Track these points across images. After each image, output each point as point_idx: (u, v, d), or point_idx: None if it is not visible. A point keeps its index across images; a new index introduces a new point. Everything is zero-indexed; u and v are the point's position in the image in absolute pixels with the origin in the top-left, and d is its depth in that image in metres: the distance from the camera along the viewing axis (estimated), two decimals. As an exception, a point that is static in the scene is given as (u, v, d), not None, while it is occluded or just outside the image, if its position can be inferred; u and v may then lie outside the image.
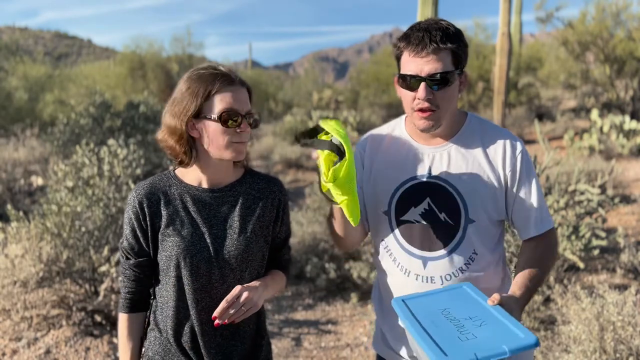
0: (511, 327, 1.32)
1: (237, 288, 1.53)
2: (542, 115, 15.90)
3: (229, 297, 1.51)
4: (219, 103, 1.53)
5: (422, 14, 7.23)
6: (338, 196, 1.48)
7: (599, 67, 14.92)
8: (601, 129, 10.73)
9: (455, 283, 1.67)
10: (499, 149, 1.67)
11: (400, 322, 1.47)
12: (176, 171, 1.68)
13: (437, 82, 1.56)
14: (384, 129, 1.82)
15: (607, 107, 14.47)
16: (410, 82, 1.59)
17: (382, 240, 1.77)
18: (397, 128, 1.79)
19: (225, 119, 1.52)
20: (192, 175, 1.64)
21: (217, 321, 1.51)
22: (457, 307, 1.44)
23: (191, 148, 1.57)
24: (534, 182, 1.68)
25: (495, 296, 1.43)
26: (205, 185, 1.64)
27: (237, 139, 1.55)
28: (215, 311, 1.51)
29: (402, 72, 1.62)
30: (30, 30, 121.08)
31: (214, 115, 1.53)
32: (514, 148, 1.67)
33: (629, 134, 10.35)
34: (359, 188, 1.75)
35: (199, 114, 1.54)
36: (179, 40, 22.51)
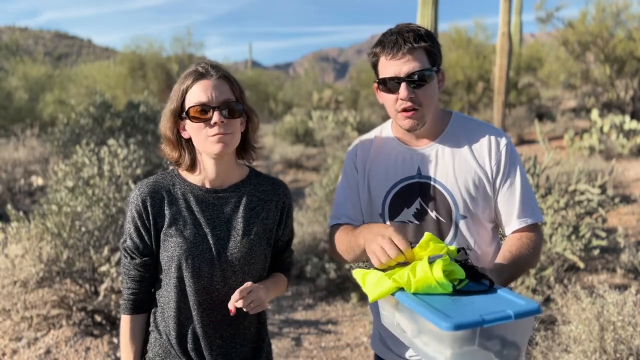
0: (508, 295, 1.29)
1: (249, 283, 1.52)
2: (542, 115, 15.89)
3: (241, 288, 1.50)
4: (190, 99, 1.53)
5: (422, 14, 7.23)
6: (378, 286, 1.37)
7: (599, 67, 14.92)
8: (601, 129, 10.72)
9: None
10: (484, 145, 1.69)
11: (383, 302, 1.42)
12: (179, 169, 1.66)
13: (416, 81, 1.60)
14: (371, 134, 1.85)
15: (607, 107, 14.46)
16: (390, 84, 1.62)
17: None
18: (385, 132, 1.82)
19: (192, 114, 1.51)
20: (195, 175, 1.63)
21: (231, 308, 1.49)
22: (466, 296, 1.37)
23: (186, 150, 1.57)
24: (518, 175, 1.69)
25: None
26: (208, 184, 1.62)
27: (212, 132, 1.51)
28: (229, 303, 1.50)
29: (381, 76, 1.65)
30: (31, 30, 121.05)
31: (184, 113, 1.54)
32: (498, 142, 1.69)
33: (629, 134, 10.34)
34: (356, 194, 1.77)
35: (181, 114, 1.55)
36: (179, 40, 22.53)
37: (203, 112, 1.51)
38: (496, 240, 1.78)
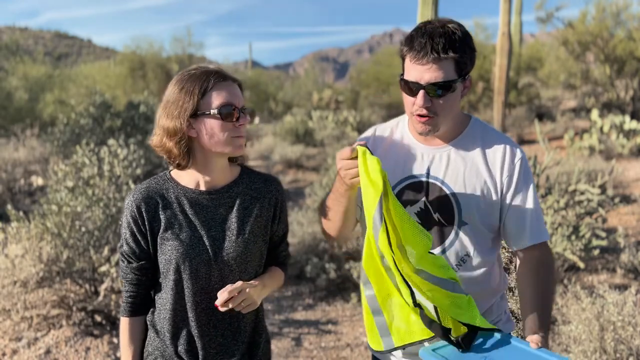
0: (544, 355, 1.26)
1: (239, 283, 1.54)
2: (542, 115, 15.89)
3: (231, 288, 1.51)
4: (216, 98, 1.54)
5: (422, 14, 7.23)
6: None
7: (599, 67, 14.94)
8: (601, 129, 10.73)
9: None
10: (498, 155, 1.67)
11: None
12: (172, 173, 1.67)
13: (436, 91, 1.55)
14: (388, 125, 1.82)
15: (607, 107, 14.47)
16: (410, 87, 1.58)
17: None
18: (400, 125, 1.79)
19: (224, 113, 1.54)
20: (188, 177, 1.64)
21: (218, 305, 1.51)
22: (497, 353, 1.34)
23: (189, 149, 1.58)
24: (531, 191, 1.66)
25: (536, 338, 1.39)
26: (202, 187, 1.63)
27: (236, 133, 1.56)
28: (217, 301, 1.51)
29: (404, 76, 1.61)
30: (31, 30, 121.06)
31: (213, 111, 1.53)
32: (513, 155, 1.66)
33: (629, 134, 10.35)
34: None
35: (197, 112, 1.54)
36: (179, 40, 22.53)
37: (233, 113, 1.55)
38: (496, 250, 1.75)
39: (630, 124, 10.35)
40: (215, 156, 1.60)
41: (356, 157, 1.48)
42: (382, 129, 1.81)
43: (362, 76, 22.79)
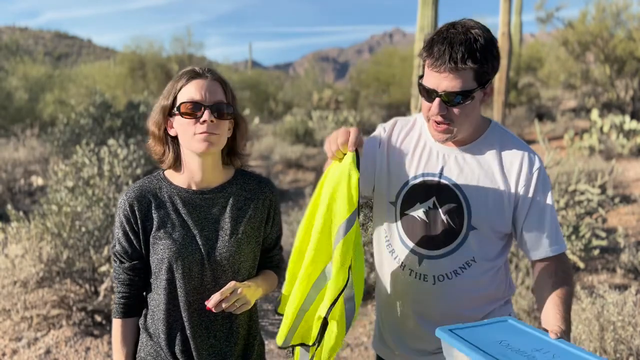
0: (589, 357, 1.25)
1: (232, 283, 1.54)
2: (542, 115, 15.90)
3: (224, 289, 1.51)
4: (182, 96, 1.56)
5: (422, 14, 7.23)
6: None
7: (599, 67, 14.94)
8: (601, 129, 10.74)
9: (450, 285, 1.65)
10: (515, 163, 1.63)
11: (450, 353, 1.34)
12: (165, 173, 1.68)
13: (453, 99, 1.52)
14: (410, 119, 1.80)
15: (607, 107, 14.48)
16: (427, 93, 1.56)
17: (384, 229, 1.77)
18: (420, 121, 1.77)
19: (183, 110, 1.54)
20: (181, 177, 1.64)
21: (208, 306, 1.51)
22: (515, 339, 1.32)
23: (170, 147, 1.60)
24: (549, 200, 1.63)
25: (556, 329, 1.38)
26: (194, 186, 1.63)
27: (200, 130, 1.53)
28: (209, 300, 1.50)
29: (422, 80, 1.58)
30: (31, 30, 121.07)
31: (176, 109, 1.56)
32: (531, 164, 1.63)
33: (629, 134, 10.36)
34: (371, 162, 1.74)
35: (171, 111, 1.58)
36: (179, 40, 22.49)
37: (194, 109, 1.54)
38: (504, 257, 1.73)
39: (630, 124, 10.35)
40: (195, 155, 1.59)
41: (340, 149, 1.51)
42: (403, 123, 1.79)
43: (362, 76, 22.79)
